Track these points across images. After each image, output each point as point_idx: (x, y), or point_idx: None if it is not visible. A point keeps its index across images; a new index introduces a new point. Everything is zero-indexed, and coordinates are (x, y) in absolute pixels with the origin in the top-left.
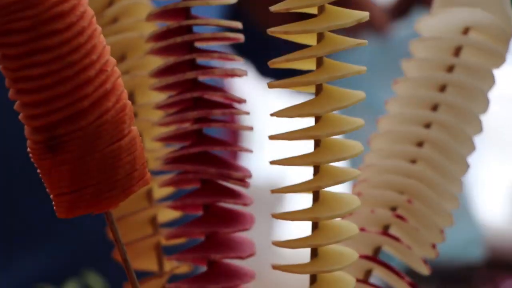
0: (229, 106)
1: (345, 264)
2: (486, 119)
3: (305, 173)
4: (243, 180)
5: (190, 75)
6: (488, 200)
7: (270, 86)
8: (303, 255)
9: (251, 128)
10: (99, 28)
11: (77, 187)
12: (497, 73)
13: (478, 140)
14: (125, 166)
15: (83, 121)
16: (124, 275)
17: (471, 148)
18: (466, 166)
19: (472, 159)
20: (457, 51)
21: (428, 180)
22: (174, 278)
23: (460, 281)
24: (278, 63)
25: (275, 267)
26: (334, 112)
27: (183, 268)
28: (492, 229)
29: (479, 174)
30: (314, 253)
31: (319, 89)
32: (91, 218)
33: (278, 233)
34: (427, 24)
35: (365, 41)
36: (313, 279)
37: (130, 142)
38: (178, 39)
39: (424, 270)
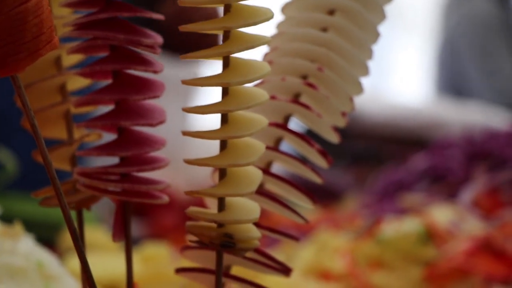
0: None
1: (255, 129)
2: (399, 6)
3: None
4: (153, 46)
5: None
6: (402, 81)
7: None
8: (215, 147)
9: None
10: None
11: None
12: None
13: (392, 25)
14: (31, 29)
15: None
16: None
17: (382, 16)
18: (377, 34)
19: (387, 43)
20: None
21: (338, 48)
22: (84, 146)
23: (370, 157)
24: None
25: (185, 133)
26: None
27: (92, 136)
28: (403, 107)
29: (394, 57)
30: (224, 119)
31: None
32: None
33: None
34: None
35: None
36: (223, 145)
37: (37, 4)
38: None
39: (334, 138)
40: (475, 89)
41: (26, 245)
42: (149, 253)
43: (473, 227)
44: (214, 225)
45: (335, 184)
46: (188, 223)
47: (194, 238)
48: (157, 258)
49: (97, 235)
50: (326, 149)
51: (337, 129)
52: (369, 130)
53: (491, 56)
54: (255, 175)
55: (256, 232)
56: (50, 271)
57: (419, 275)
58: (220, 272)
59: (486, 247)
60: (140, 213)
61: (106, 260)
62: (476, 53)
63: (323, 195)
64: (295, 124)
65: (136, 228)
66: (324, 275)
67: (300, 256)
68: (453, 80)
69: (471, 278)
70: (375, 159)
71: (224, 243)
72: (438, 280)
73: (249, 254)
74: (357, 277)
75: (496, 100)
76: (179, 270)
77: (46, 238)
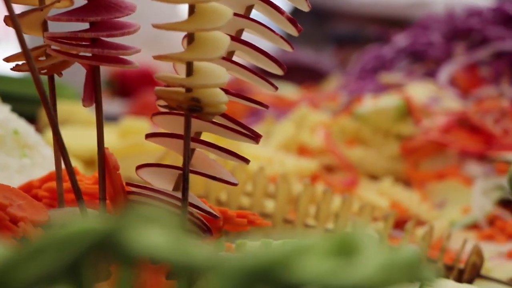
0: None
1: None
2: None
3: None
4: None
5: None
6: None
7: None
8: None
9: None
10: None
11: None
12: None
13: None
14: None
15: None
16: None
17: None
18: None
19: None
20: None
21: None
22: None
23: (355, 40)
24: None
25: (155, 26)
26: None
27: (63, 2)
28: None
29: None
30: (192, 11)
31: None
32: None
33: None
34: None
35: None
36: (191, 10)
37: None
38: None
39: (304, 7)
40: None
41: (2, 114)
42: (128, 126)
43: (451, 103)
44: (182, 89)
45: (319, 65)
46: (157, 88)
47: (163, 103)
48: (136, 131)
49: (77, 110)
50: (312, 33)
51: (324, 11)
52: (354, 10)
53: None
54: (223, 40)
55: (223, 97)
56: (26, 140)
57: (395, 150)
58: (188, 136)
59: (462, 123)
60: (123, 93)
61: (85, 134)
62: None
63: (307, 77)
64: None
65: (118, 106)
66: (302, 150)
67: (278, 131)
68: None
69: (447, 153)
70: (359, 42)
71: (191, 107)
72: (414, 154)
73: (219, 120)
74: (334, 152)
75: None
76: (149, 135)
77: (28, 114)
